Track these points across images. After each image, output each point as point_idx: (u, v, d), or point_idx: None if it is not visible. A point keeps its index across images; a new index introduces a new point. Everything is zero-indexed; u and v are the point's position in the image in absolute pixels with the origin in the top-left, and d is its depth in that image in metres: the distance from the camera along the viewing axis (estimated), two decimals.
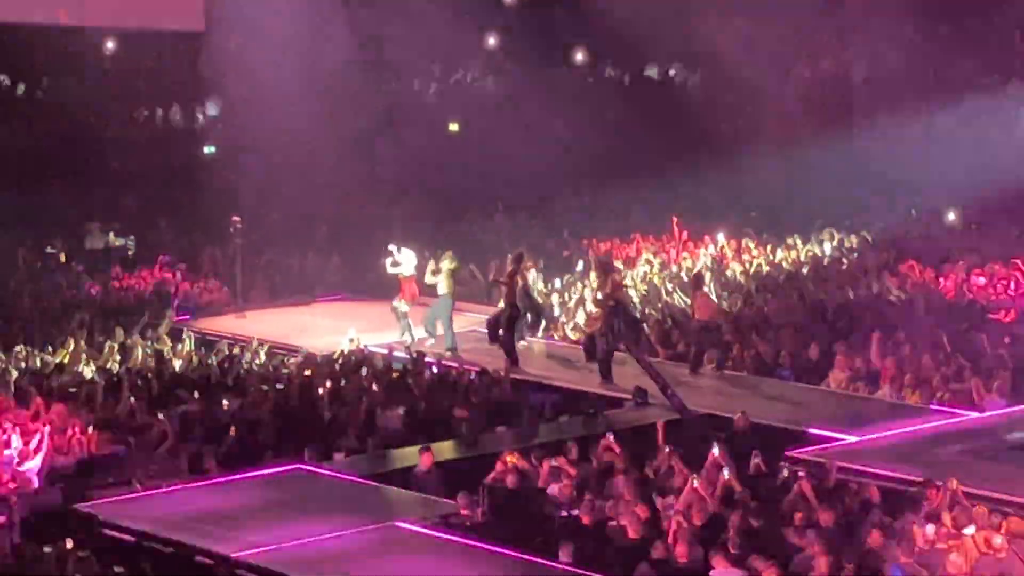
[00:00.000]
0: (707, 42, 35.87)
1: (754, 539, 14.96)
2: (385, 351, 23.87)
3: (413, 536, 15.97)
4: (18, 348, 23.08)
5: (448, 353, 23.92)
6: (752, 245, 30.51)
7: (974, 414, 20.44)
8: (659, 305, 26.54)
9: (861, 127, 34.56)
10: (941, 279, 27.23)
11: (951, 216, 31.89)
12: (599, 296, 23.19)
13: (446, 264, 25.00)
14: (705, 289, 24.64)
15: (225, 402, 20.26)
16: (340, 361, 22.80)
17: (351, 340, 23.90)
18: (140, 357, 23.01)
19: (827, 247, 30.60)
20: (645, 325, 24.80)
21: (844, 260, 29.61)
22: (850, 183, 33.32)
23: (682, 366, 23.16)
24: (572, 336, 25.32)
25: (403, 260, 25.60)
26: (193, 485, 17.65)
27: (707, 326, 23.27)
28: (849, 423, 19.87)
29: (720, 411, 20.55)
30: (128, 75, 34.25)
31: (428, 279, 25.12)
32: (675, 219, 31.02)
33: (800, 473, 16.69)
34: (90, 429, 18.83)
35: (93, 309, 26.42)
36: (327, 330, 26.06)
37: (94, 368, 22.32)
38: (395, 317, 25.34)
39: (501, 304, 24.32)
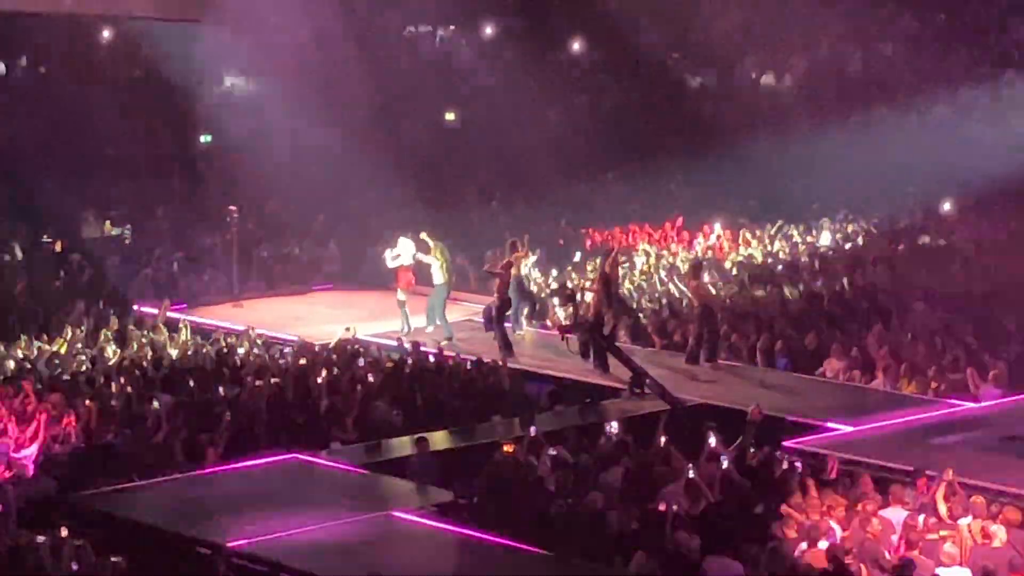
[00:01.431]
0: (704, 31, 35.88)
1: (751, 528, 14.97)
2: (388, 341, 23.93)
3: (409, 525, 15.97)
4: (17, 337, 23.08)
5: (445, 342, 23.92)
6: (749, 235, 30.50)
7: (970, 404, 20.47)
8: (656, 295, 26.55)
9: (857, 117, 34.52)
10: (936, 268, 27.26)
11: (947, 206, 31.85)
12: (593, 285, 23.28)
13: (439, 254, 25.03)
14: (703, 277, 24.60)
15: (221, 390, 20.27)
16: (335, 351, 22.78)
17: (346, 329, 23.90)
18: (136, 346, 23.00)
19: (825, 237, 30.62)
20: (641, 315, 24.80)
21: (842, 250, 29.62)
22: (847, 173, 33.28)
23: (678, 356, 23.16)
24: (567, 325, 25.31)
25: (401, 250, 25.60)
26: (189, 475, 17.64)
27: (704, 313, 23.25)
28: (845, 413, 19.87)
29: (716, 400, 20.58)
30: (125, 63, 34.19)
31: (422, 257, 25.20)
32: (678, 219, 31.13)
33: (797, 464, 16.69)
34: (87, 418, 18.81)
35: (90, 298, 26.37)
36: (324, 319, 26.05)
37: (90, 357, 22.29)
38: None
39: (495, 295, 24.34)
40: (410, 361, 22.26)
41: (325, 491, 17.29)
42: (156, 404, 19.43)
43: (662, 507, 15.24)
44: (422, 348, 23.03)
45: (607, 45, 37.61)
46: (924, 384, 21.29)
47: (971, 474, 16.27)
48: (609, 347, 22.17)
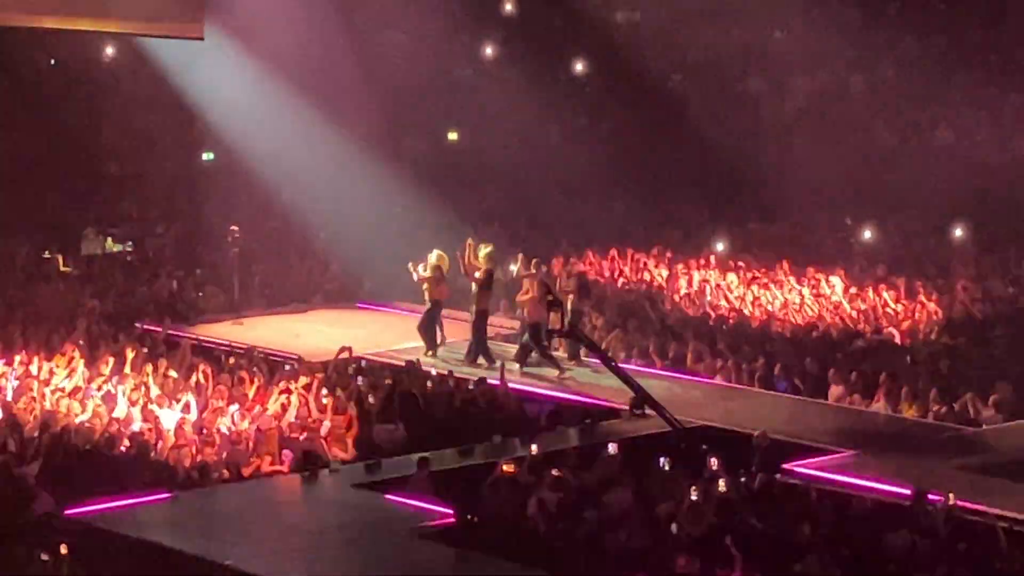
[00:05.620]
0: (706, 52, 35.90)
1: (753, 550, 14.96)
2: (389, 359, 24.00)
3: (409, 545, 15.95)
4: None
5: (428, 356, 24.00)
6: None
7: (971, 428, 20.46)
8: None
9: (859, 139, 34.51)
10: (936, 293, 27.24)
11: (957, 232, 31.69)
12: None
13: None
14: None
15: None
16: (335, 369, 22.76)
17: (342, 349, 23.86)
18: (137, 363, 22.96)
19: None
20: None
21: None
22: (847, 196, 33.26)
23: (679, 376, 23.17)
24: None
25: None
26: (189, 492, 17.62)
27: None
28: (845, 437, 19.86)
29: (718, 423, 20.58)
30: (128, 80, 34.18)
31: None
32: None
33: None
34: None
35: (91, 316, 26.35)
36: (325, 337, 26.03)
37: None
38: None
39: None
40: (415, 380, 22.26)
41: (326, 510, 17.30)
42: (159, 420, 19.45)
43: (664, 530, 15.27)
44: (422, 367, 23.04)
45: (609, 66, 37.62)
46: (925, 408, 21.28)
47: (972, 499, 16.27)
48: (619, 372, 22.13)
